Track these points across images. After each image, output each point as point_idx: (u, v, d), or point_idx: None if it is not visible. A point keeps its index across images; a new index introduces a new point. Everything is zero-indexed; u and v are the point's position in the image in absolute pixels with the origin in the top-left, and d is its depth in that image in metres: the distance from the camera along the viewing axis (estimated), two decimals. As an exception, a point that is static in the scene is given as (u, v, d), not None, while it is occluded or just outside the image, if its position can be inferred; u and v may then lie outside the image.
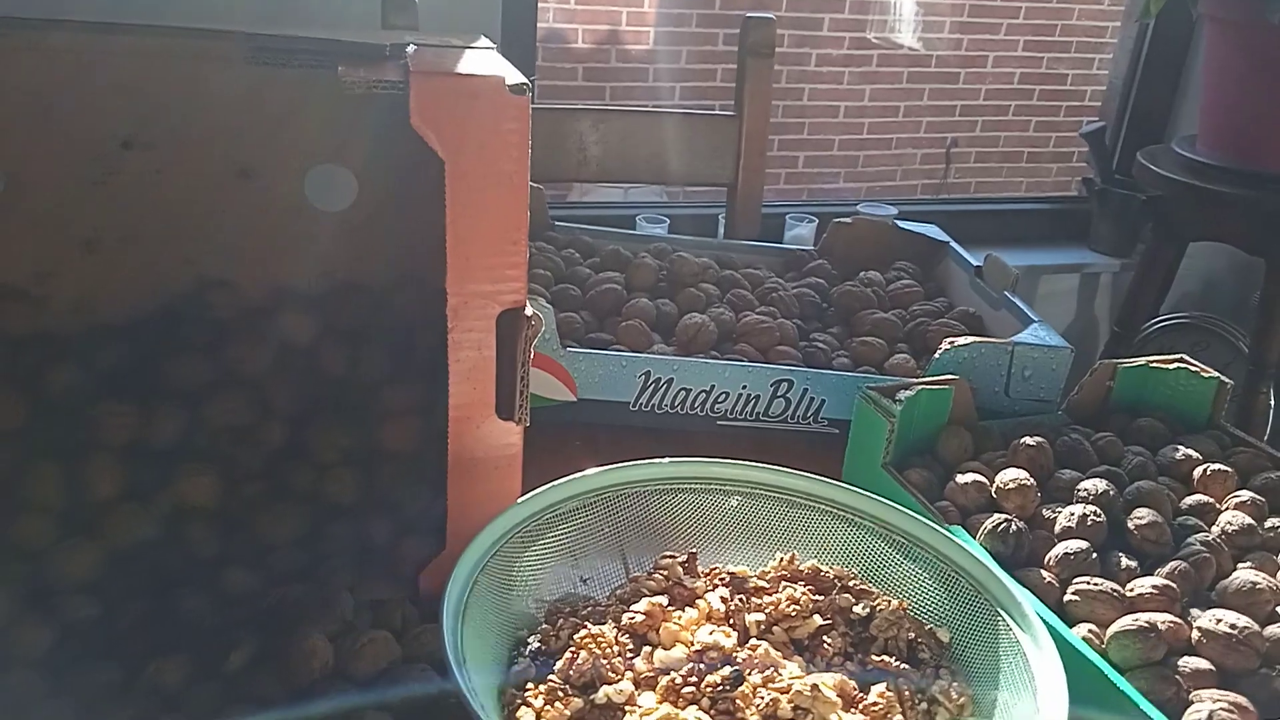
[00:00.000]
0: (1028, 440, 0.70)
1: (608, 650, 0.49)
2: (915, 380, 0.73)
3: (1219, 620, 0.56)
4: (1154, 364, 0.80)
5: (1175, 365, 0.81)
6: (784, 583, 0.55)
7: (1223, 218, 1.56)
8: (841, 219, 1.03)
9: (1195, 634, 0.56)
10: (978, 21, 3.33)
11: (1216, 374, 0.80)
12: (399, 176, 0.67)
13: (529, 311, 0.54)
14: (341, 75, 0.49)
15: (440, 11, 1.39)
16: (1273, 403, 1.68)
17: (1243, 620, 0.56)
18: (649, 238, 1.01)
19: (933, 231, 1.03)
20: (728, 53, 3.15)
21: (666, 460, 0.59)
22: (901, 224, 1.03)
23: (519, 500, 0.55)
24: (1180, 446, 0.74)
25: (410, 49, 0.51)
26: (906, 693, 0.50)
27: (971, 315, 0.91)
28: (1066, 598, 0.60)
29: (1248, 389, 1.60)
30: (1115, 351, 1.73)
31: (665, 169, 1.14)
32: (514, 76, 0.51)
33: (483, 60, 0.53)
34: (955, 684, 0.50)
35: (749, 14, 1.12)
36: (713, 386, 0.76)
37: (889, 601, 0.54)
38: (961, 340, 0.77)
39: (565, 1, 2.89)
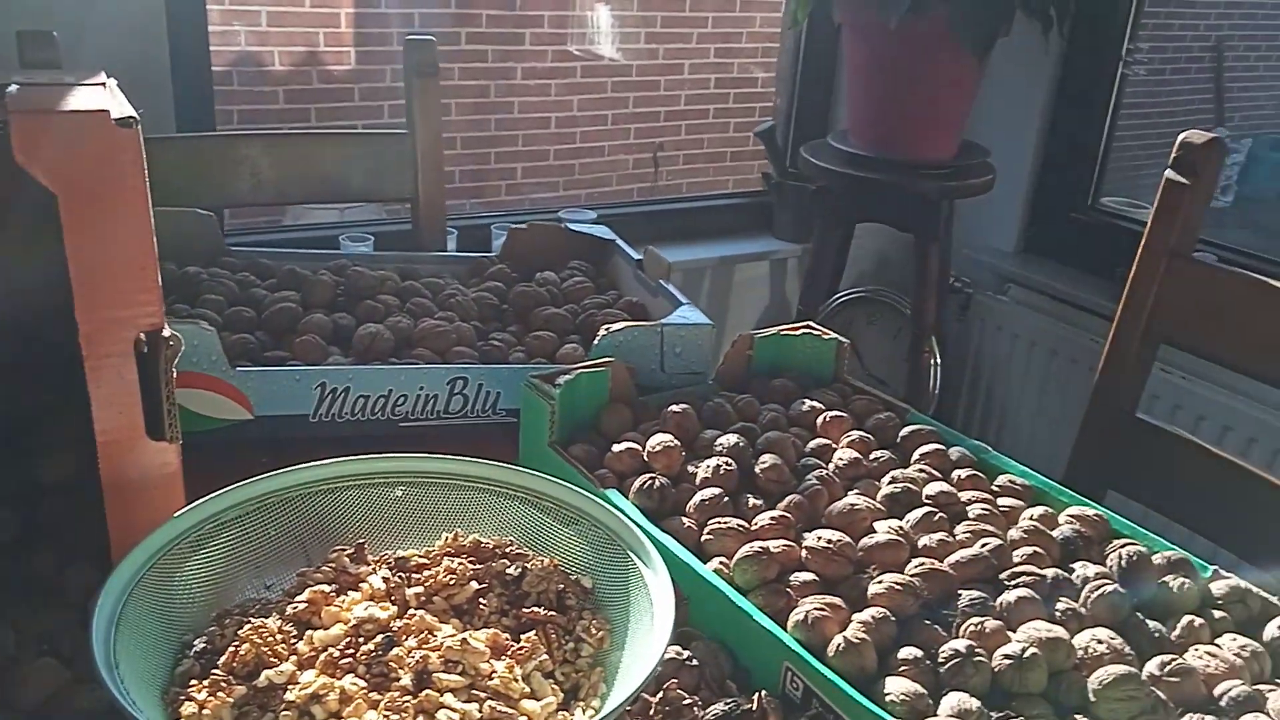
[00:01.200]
0: (674, 408, 0.79)
1: (270, 639, 0.52)
2: (575, 365, 0.80)
3: (819, 538, 0.66)
4: (784, 333, 0.92)
5: (802, 332, 0.92)
6: (446, 558, 0.60)
7: (875, 202, 1.77)
8: (518, 225, 1.09)
9: (804, 553, 0.66)
10: (671, 31, 3.53)
11: (835, 336, 0.93)
12: (37, 211, 0.66)
13: (167, 333, 0.56)
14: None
15: (108, 47, 1.35)
16: (937, 359, 1.90)
17: (839, 535, 0.66)
18: (330, 255, 1.03)
19: (601, 231, 1.11)
20: (434, 70, 3.18)
21: (327, 461, 0.63)
22: (573, 226, 1.11)
23: (176, 514, 0.57)
24: (807, 400, 0.85)
25: (12, 89, 0.52)
26: (553, 635, 0.56)
27: (635, 304, 1.00)
28: (703, 538, 0.69)
29: (912, 349, 1.82)
30: (803, 328, 1.91)
31: (345, 188, 1.16)
32: (121, 111, 0.53)
33: (90, 96, 0.55)
34: (595, 621, 0.57)
35: (409, 36, 1.16)
36: (390, 391, 0.80)
37: (540, 561, 0.61)
38: (616, 326, 0.85)
39: (256, 25, 2.82)
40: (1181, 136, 0.92)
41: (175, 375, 0.58)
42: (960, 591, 0.63)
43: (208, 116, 1.47)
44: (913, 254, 1.76)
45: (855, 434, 0.81)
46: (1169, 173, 0.93)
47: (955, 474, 0.78)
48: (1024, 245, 2.02)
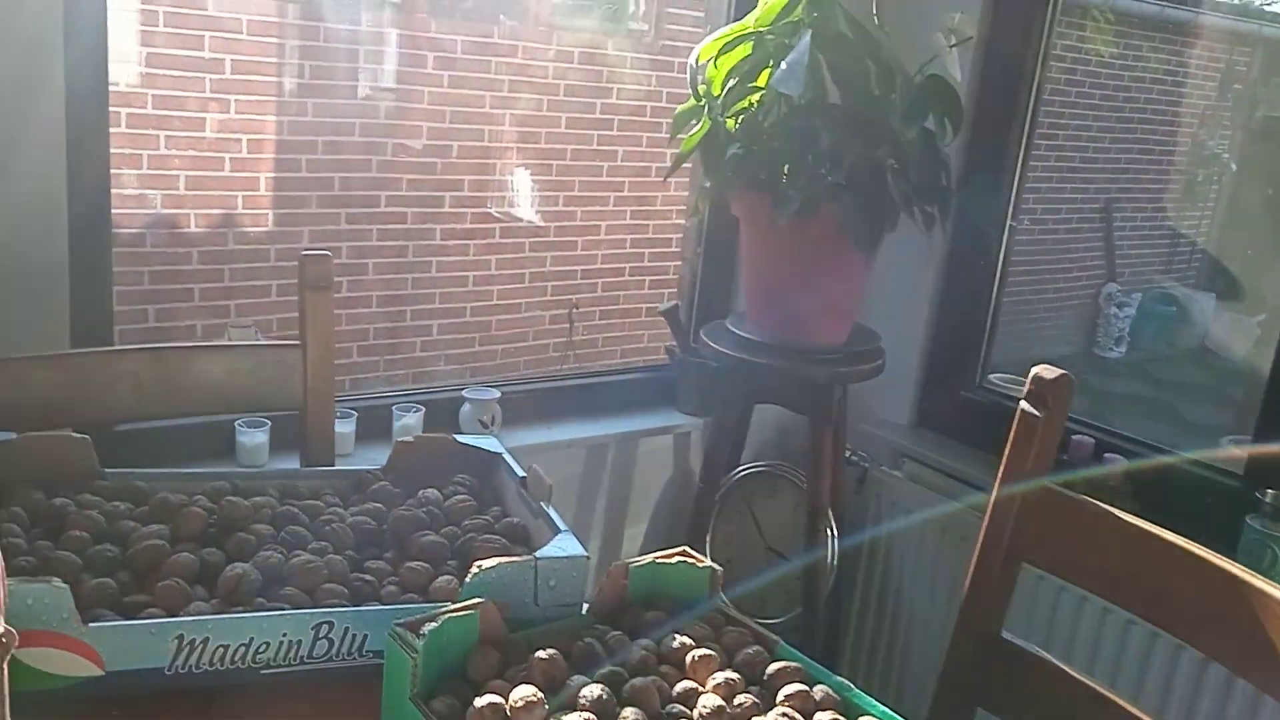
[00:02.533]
0: (541, 654, 0.79)
1: None
2: (442, 610, 0.80)
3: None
4: (659, 560, 0.93)
5: (677, 559, 0.94)
6: None
7: (771, 385, 1.82)
8: (404, 439, 1.10)
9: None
10: (589, 195, 3.66)
11: (710, 563, 0.94)
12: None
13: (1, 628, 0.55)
14: None
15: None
16: (834, 532, 1.93)
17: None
18: (212, 475, 1.03)
19: (489, 444, 1.13)
20: (350, 230, 3.23)
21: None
22: (460, 438, 1.12)
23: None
24: (678, 635, 0.86)
25: None
26: None
27: (517, 526, 1.01)
28: (559, 807, 0.68)
29: (809, 526, 1.84)
30: (703, 501, 1.93)
31: (232, 399, 1.17)
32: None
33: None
34: None
35: (304, 251, 1.19)
36: (252, 639, 0.79)
37: None
38: (489, 563, 0.86)
39: (173, 189, 2.84)
40: (1034, 371, 0.98)
41: (21, 636, 0.57)
42: None
43: (105, 322, 1.48)
44: (808, 434, 1.81)
45: (722, 676, 0.81)
46: (1023, 404, 0.98)
47: (817, 716, 0.78)
48: (917, 420, 2.09)
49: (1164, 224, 5.04)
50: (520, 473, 1.06)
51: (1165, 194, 4.92)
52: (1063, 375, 0.96)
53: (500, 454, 1.11)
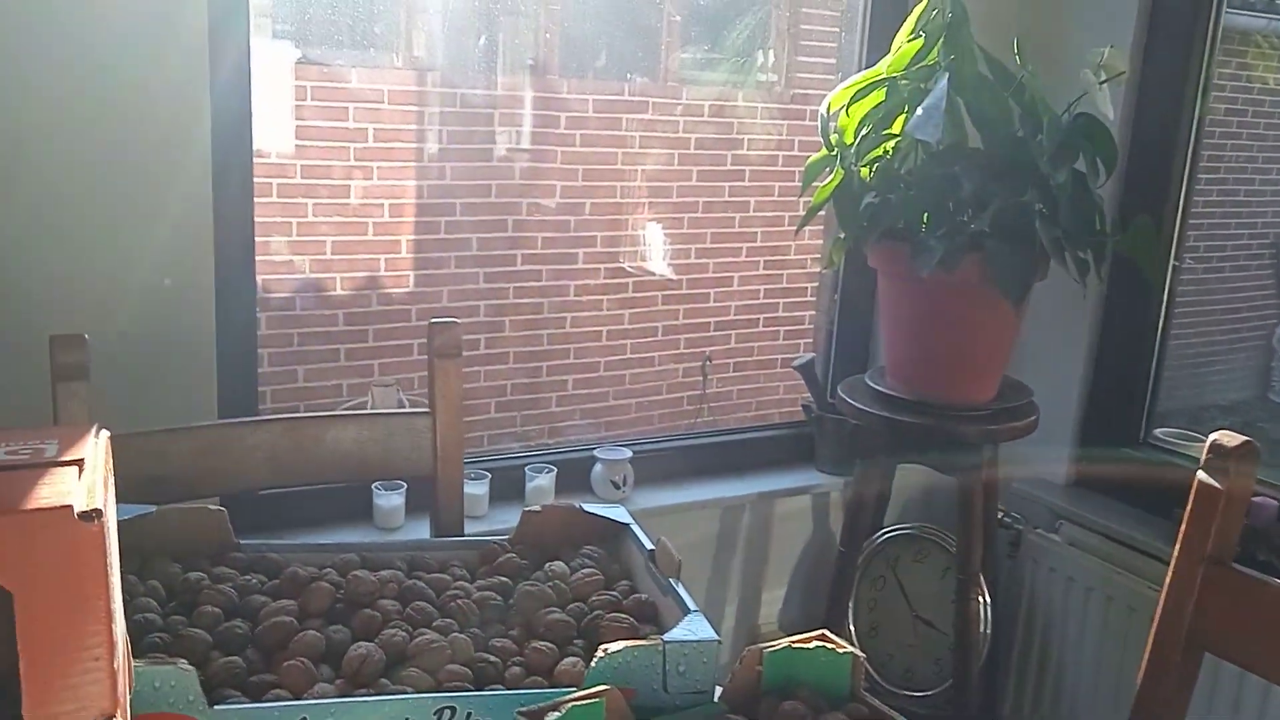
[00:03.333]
0: (670, 748, 0.75)
1: None
2: (565, 698, 0.76)
3: None
4: (795, 644, 0.87)
5: (814, 644, 0.88)
6: None
7: (914, 444, 1.73)
8: (531, 509, 1.08)
9: None
10: (721, 246, 3.63)
11: (850, 649, 0.88)
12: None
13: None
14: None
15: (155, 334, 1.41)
16: (986, 601, 1.82)
17: None
18: (342, 547, 1.02)
19: (617, 514, 1.09)
20: (488, 289, 3.30)
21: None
22: (588, 508, 1.09)
23: None
24: (818, 728, 0.80)
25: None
26: None
27: (645, 604, 0.96)
28: None
29: (959, 593, 1.73)
30: (844, 566, 1.84)
31: (364, 467, 1.17)
32: (84, 503, 0.53)
33: (59, 484, 0.55)
34: None
35: (434, 320, 1.19)
36: (374, 723, 0.77)
37: None
38: (614, 647, 0.82)
39: (320, 253, 2.96)
40: (1212, 438, 0.88)
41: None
42: None
43: (249, 388, 1.53)
44: (957, 498, 1.71)
45: (867, 778, 0.75)
46: (1201, 474, 0.88)
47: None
48: (1075, 479, 1.96)
49: (1343, 259, 4.67)
50: (649, 545, 1.02)
51: (1345, 227, 4.56)
52: (1246, 443, 0.86)
53: (628, 525, 1.08)
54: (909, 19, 1.63)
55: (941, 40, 1.58)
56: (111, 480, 0.65)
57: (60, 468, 0.58)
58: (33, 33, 1.28)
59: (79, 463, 0.59)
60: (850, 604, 1.90)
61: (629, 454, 1.85)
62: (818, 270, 3.73)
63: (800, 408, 2.07)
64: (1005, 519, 1.94)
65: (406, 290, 3.16)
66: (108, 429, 0.72)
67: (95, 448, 0.64)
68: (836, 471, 2.01)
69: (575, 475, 1.86)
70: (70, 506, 0.53)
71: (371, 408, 2.95)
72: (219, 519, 0.98)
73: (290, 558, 0.99)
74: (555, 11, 3.27)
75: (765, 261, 3.71)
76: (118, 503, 0.93)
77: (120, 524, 0.93)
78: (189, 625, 0.86)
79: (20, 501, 0.53)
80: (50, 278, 1.33)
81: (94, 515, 0.53)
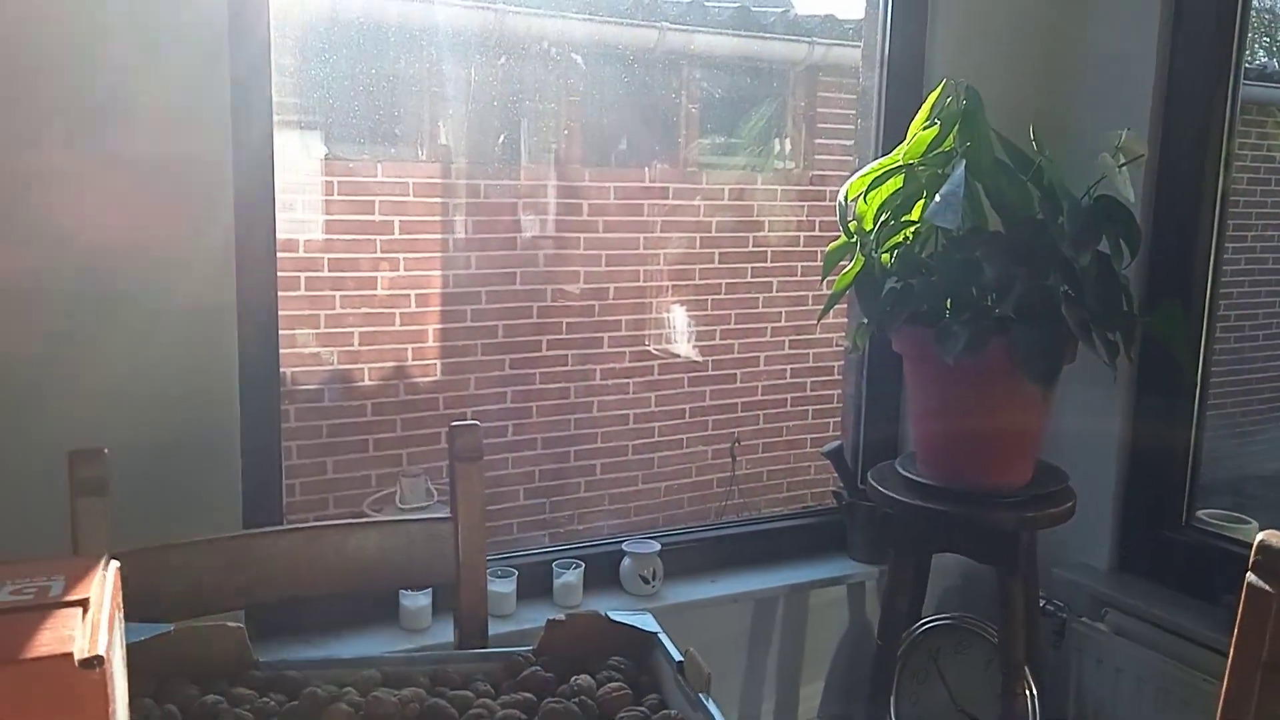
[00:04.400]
0: None
1: None
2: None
3: None
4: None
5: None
6: None
7: (949, 533, 1.69)
8: (556, 618, 1.05)
9: None
10: (745, 327, 3.63)
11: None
12: None
13: None
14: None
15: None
16: (1033, 692, 1.75)
17: None
18: (363, 662, 1.00)
19: (644, 622, 1.06)
20: (515, 375, 3.30)
21: None
22: (614, 616, 1.06)
23: None
24: None
25: None
26: None
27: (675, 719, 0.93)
28: None
29: (1004, 688, 1.67)
30: (883, 658, 1.79)
31: (386, 575, 1.15)
32: (85, 649, 0.52)
33: (61, 628, 0.54)
34: None
35: (454, 423, 1.18)
36: None
37: None
38: (642, 771, 0.79)
39: (349, 345, 2.98)
40: (1260, 538, 0.85)
41: None
42: None
43: (274, 492, 1.52)
44: (997, 587, 1.66)
45: None
46: (1251, 577, 0.85)
47: None
48: (1119, 563, 1.90)
49: (1376, 321, 4.60)
50: (678, 657, 0.99)
51: (1379, 291, 4.50)
52: (1296, 542, 0.83)
53: (656, 634, 1.05)
54: (924, 106, 1.64)
55: (957, 127, 1.58)
56: (120, 614, 0.64)
57: (64, 609, 0.57)
58: (52, 126, 1.31)
59: (84, 603, 0.58)
60: (891, 699, 1.84)
61: (658, 547, 1.82)
62: (843, 347, 3.73)
63: (831, 494, 2.03)
64: (1048, 607, 1.88)
65: (433, 379, 3.17)
66: (120, 554, 0.71)
67: (102, 582, 0.63)
68: (871, 560, 1.97)
69: (604, 569, 1.83)
70: (70, 655, 0.51)
71: (400, 499, 2.94)
72: (237, 636, 0.96)
73: (310, 675, 0.97)
74: (575, 103, 3.33)
75: (790, 341, 3.70)
76: (133, 621, 0.92)
77: (136, 645, 0.92)
78: (205, 753, 0.84)
79: (20, 649, 0.52)
80: (69, 387, 1.34)
81: (95, 662, 0.52)
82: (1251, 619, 0.84)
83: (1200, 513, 1.86)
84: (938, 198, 1.52)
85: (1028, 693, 1.72)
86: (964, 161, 1.54)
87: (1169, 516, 1.83)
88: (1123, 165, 1.53)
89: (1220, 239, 1.82)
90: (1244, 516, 1.86)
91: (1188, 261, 1.80)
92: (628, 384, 3.48)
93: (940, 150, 1.60)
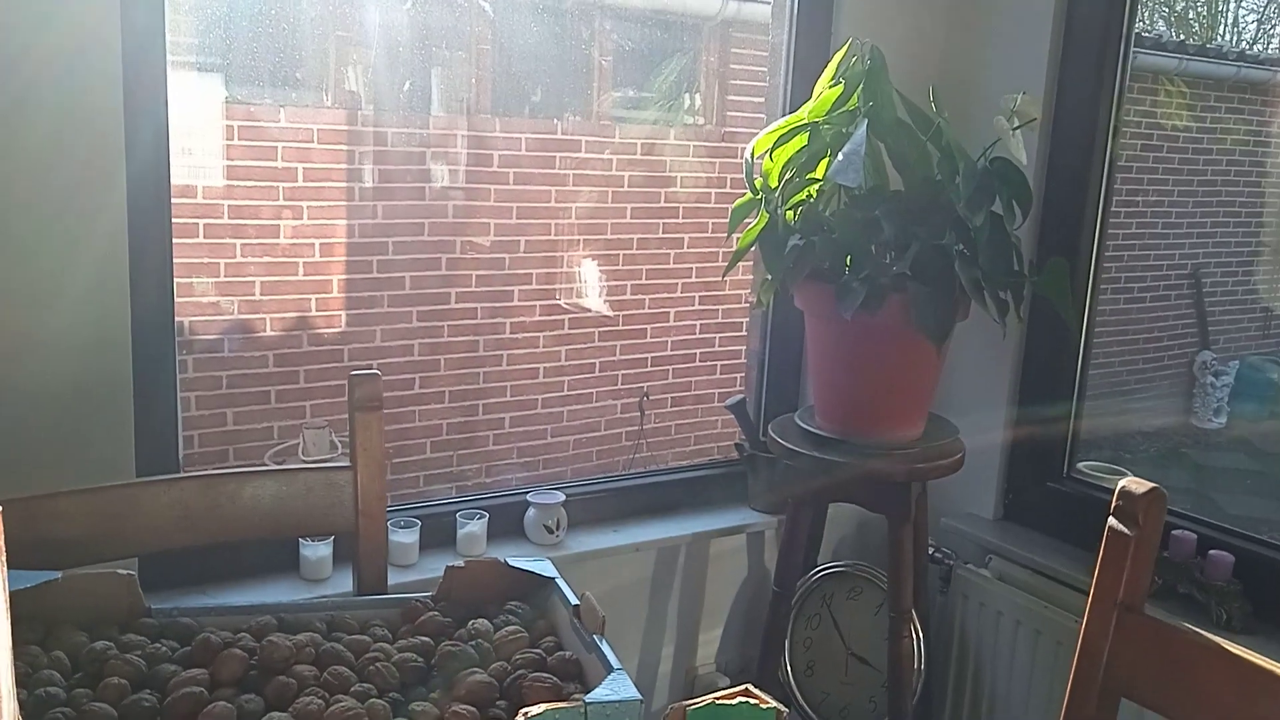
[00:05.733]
0: (589, 816, 0.74)
1: None
2: (484, 766, 0.75)
3: None
4: (719, 701, 0.87)
5: (739, 699, 0.87)
6: None
7: (843, 483, 1.74)
8: (455, 564, 1.06)
9: None
10: (656, 283, 3.65)
11: (774, 703, 0.87)
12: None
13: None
14: None
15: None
16: (918, 636, 1.83)
17: None
18: (259, 609, 1.00)
19: (542, 568, 1.08)
20: (422, 328, 3.27)
21: None
22: (512, 562, 1.08)
23: None
24: (740, 788, 0.79)
25: None
26: None
27: (569, 661, 0.95)
28: None
29: (892, 631, 1.74)
30: (779, 604, 1.85)
31: (283, 524, 1.15)
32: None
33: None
34: None
35: (353, 373, 1.18)
36: (286, 798, 0.75)
37: None
38: (535, 710, 0.81)
39: (250, 294, 2.91)
40: (1120, 484, 0.90)
41: None
42: None
43: (170, 438, 1.49)
44: (887, 535, 1.72)
45: (788, 838, 0.74)
46: (1112, 521, 0.90)
47: None
48: (1003, 513, 1.99)
49: (1256, 288, 4.84)
50: (574, 600, 1.01)
51: (1258, 258, 4.73)
52: (1154, 489, 0.88)
53: (553, 579, 1.07)
54: (829, 65, 1.66)
55: (861, 86, 1.61)
56: (2, 555, 0.63)
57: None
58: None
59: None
60: (786, 643, 1.90)
61: (563, 497, 1.84)
62: (750, 304, 3.78)
63: (734, 446, 2.07)
64: (936, 554, 1.96)
65: (339, 330, 3.12)
66: (6, 501, 0.70)
67: (-16, 526, 0.62)
68: (770, 510, 2.02)
69: (508, 520, 1.84)
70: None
71: (303, 450, 2.90)
72: (128, 583, 0.95)
73: (204, 622, 0.96)
74: (487, 51, 3.27)
75: (700, 297, 3.74)
76: (21, 569, 0.90)
77: (23, 592, 0.91)
78: (94, 699, 0.83)
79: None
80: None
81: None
82: (1110, 561, 0.89)
83: (1080, 465, 1.95)
84: (840, 156, 1.55)
85: (914, 636, 1.80)
86: (866, 121, 1.57)
87: (1051, 469, 1.92)
88: (1017, 128, 1.58)
89: (1108, 202, 1.89)
90: (1121, 469, 1.95)
91: (1076, 223, 1.87)
92: (538, 338, 3.48)
93: (844, 109, 1.63)
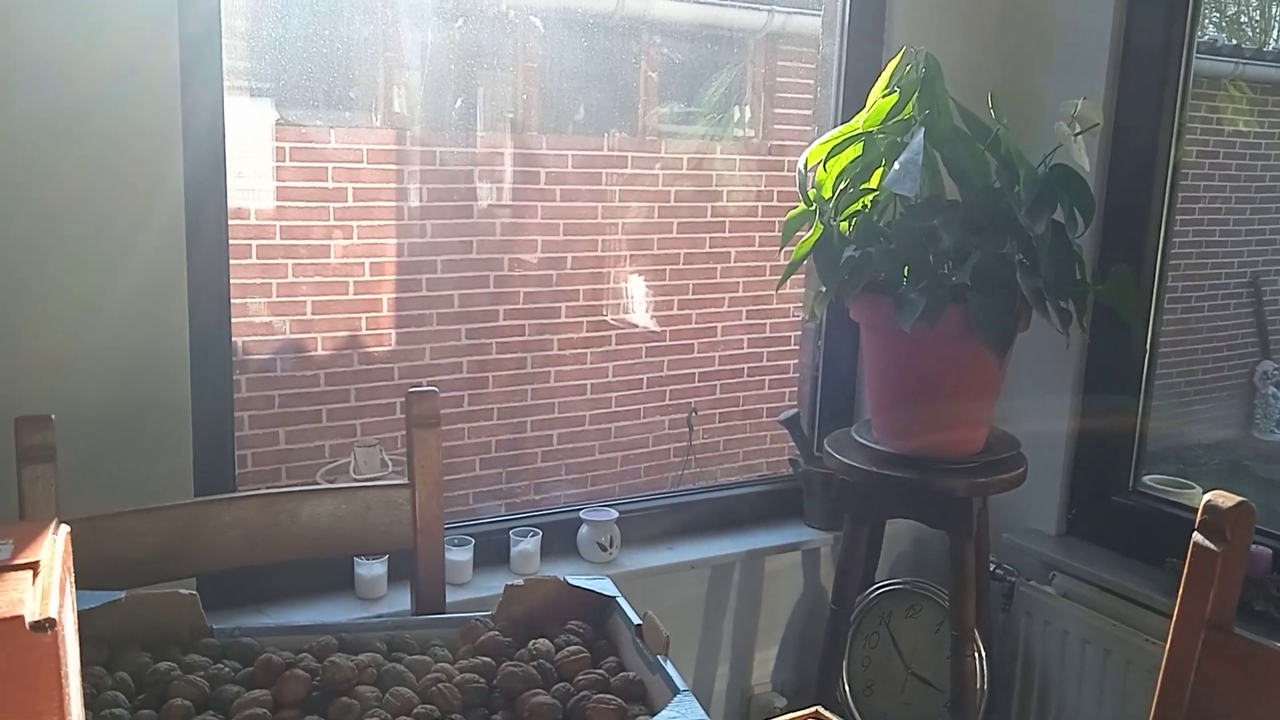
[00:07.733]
0: (661, 843, 0.71)
1: None
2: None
3: None
4: (790, 723, 0.85)
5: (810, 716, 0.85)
6: None
7: (902, 499, 1.71)
8: (514, 583, 1.05)
9: None
10: (703, 297, 3.63)
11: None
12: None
13: None
14: None
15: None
16: (981, 655, 1.78)
17: None
18: (319, 628, 0.99)
19: (603, 586, 1.07)
20: (471, 345, 3.27)
21: None
22: (572, 580, 1.07)
23: None
24: (814, 814, 0.77)
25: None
26: None
27: (633, 682, 0.94)
28: None
29: (954, 650, 1.70)
30: (837, 623, 1.81)
31: (342, 541, 1.14)
32: (37, 612, 0.51)
33: (10, 590, 0.53)
34: None
35: (411, 389, 1.17)
36: (351, 823, 0.74)
37: None
38: (602, 732, 0.79)
39: (301, 314, 2.94)
40: (1206, 498, 0.87)
41: None
42: None
43: (226, 460, 1.50)
44: (949, 552, 1.68)
45: None
46: (1196, 536, 0.87)
47: None
48: (1066, 529, 1.94)
49: (1320, 295, 4.71)
50: (636, 620, 1.00)
51: (1320, 264, 4.61)
52: (1241, 503, 0.85)
53: (614, 598, 1.05)
54: (883, 74, 1.64)
55: (916, 95, 1.59)
56: (71, 579, 0.63)
57: (14, 572, 0.55)
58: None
59: (34, 565, 0.57)
60: (844, 663, 1.86)
61: (615, 515, 1.83)
62: (800, 319, 3.75)
63: (788, 461, 2.04)
64: (998, 571, 1.91)
65: (388, 349, 3.14)
66: (70, 521, 0.69)
67: (53, 546, 0.61)
68: (826, 526, 1.99)
69: (561, 537, 1.83)
70: (21, 618, 0.50)
71: (354, 469, 2.91)
72: (190, 604, 0.95)
73: (265, 642, 0.96)
74: (533, 69, 3.29)
75: (748, 311, 3.71)
76: (84, 589, 0.90)
77: (88, 613, 0.91)
78: (158, 720, 0.83)
79: (-31, 612, 0.51)
80: (16, 354, 1.30)
81: (47, 625, 0.51)
82: (1196, 577, 0.86)
83: (1146, 478, 1.90)
84: (896, 165, 1.53)
85: (977, 655, 1.75)
86: (923, 129, 1.55)
87: (1116, 482, 1.87)
88: (1078, 134, 1.55)
89: (1171, 209, 1.85)
90: (1188, 482, 1.90)
91: (1140, 231, 1.83)
92: (585, 354, 3.47)
93: (899, 118, 1.61)
